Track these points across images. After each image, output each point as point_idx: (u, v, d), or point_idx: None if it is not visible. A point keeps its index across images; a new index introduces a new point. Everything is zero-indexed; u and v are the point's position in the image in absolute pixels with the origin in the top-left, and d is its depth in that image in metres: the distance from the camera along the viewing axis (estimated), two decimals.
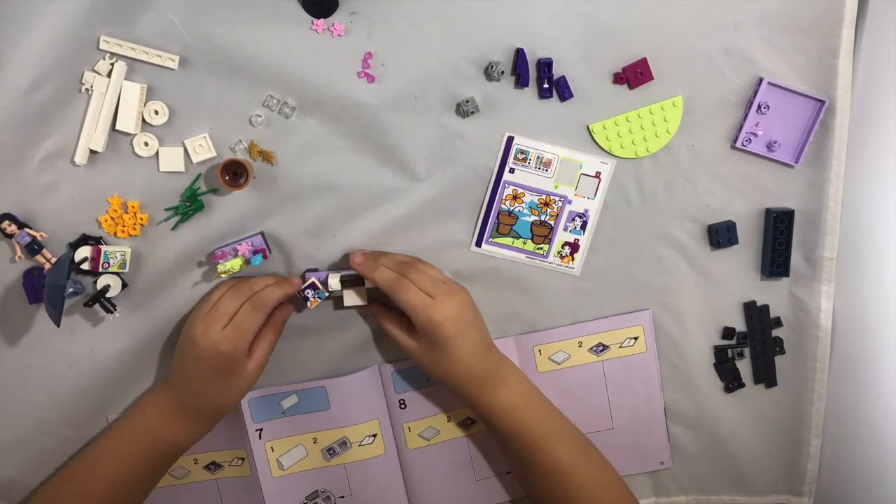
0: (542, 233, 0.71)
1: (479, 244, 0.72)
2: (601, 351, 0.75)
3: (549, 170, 0.69)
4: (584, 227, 0.71)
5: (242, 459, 0.76)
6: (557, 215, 0.71)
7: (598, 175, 0.70)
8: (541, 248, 0.72)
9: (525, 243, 0.72)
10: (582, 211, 0.71)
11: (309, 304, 0.68)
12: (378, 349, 0.74)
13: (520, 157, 0.69)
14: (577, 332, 0.74)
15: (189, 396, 0.67)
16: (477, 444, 0.77)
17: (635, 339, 0.75)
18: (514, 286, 0.73)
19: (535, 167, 0.69)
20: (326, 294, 0.68)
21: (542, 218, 0.71)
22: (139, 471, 0.68)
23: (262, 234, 0.69)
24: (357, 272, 0.67)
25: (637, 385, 0.76)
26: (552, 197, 0.70)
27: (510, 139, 0.68)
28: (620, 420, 0.77)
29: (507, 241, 0.72)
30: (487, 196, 0.70)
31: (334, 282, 0.68)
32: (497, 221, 0.71)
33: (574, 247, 0.72)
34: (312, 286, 0.68)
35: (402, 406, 0.75)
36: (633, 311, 0.74)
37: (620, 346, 0.75)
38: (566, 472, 0.68)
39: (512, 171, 0.69)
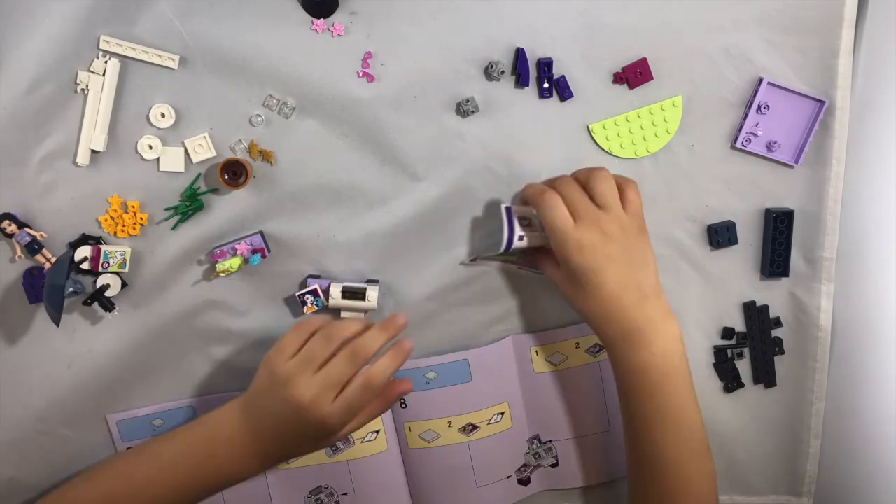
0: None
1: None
2: (598, 352, 0.75)
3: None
4: None
5: None
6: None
7: None
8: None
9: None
10: None
11: (305, 309, 0.69)
12: None
13: (524, 223, 0.66)
14: (574, 332, 0.74)
15: (274, 449, 0.61)
16: (477, 451, 0.76)
17: None
18: (511, 289, 0.73)
19: (541, 228, 0.64)
20: (325, 304, 0.69)
21: None
22: (187, 498, 0.62)
23: (261, 233, 0.69)
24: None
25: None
26: None
27: (508, 210, 0.65)
28: (617, 421, 0.76)
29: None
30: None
31: (335, 292, 0.68)
32: None
33: None
34: (313, 293, 0.68)
35: (403, 405, 0.75)
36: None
37: None
38: (663, 462, 0.62)
39: (521, 238, 0.65)
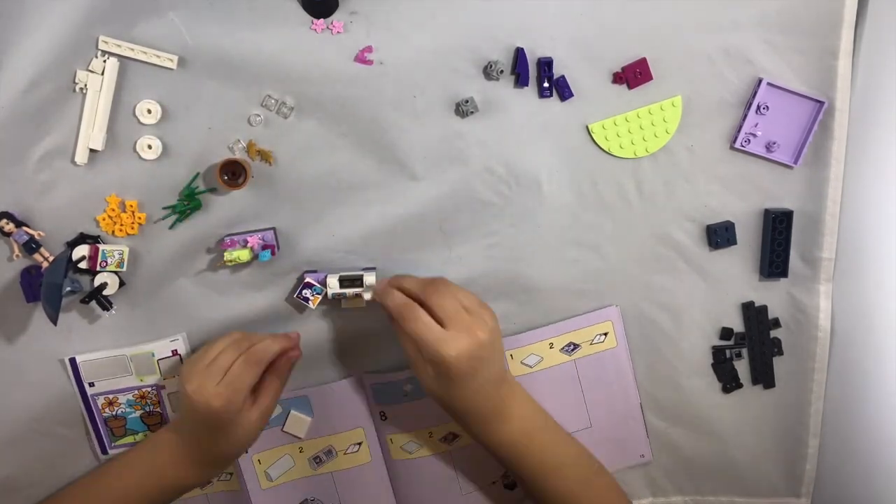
0: (155, 421, 0.73)
1: (104, 452, 0.73)
2: (573, 350, 0.75)
3: (128, 369, 0.71)
4: None
5: (231, 474, 0.76)
6: (160, 401, 0.72)
7: (175, 353, 0.71)
8: None
9: (146, 434, 0.73)
10: None
11: (310, 303, 0.68)
12: (359, 357, 0.74)
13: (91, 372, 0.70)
14: (548, 333, 0.74)
15: (193, 445, 0.66)
16: (460, 459, 0.76)
17: (605, 335, 0.75)
18: (510, 289, 0.73)
19: (114, 372, 0.70)
20: (323, 290, 0.68)
21: (148, 409, 0.72)
22: None
23: (274, 229, 0.69)
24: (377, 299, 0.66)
25: (611, 381, 0.76)
26: (144, 388, 0.72)
27: (73, 361, 0.69)
28: (597, 417, 0.76)
29: (129, 440, 0.73)
30: (86, 414, 0.72)
31: (333, 282, 0.68)
32: (109, 428, 0.72)
33: None
34: (308, 285, 0.68)
35: (384, 418, 0.74)
36: (600, 308, 0.74)
37: (591, 344, 0.75)
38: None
39: (92, 384, 0.70)
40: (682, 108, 0.68)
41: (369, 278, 0.68)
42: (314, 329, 0.73)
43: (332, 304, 0.71)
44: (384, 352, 0.73)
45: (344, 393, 0.74)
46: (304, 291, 0.68)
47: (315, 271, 0.70)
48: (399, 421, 0.75)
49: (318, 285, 0.68)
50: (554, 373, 0.75)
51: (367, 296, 0.69)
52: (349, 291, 0.68)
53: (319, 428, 0.75)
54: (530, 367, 0.75)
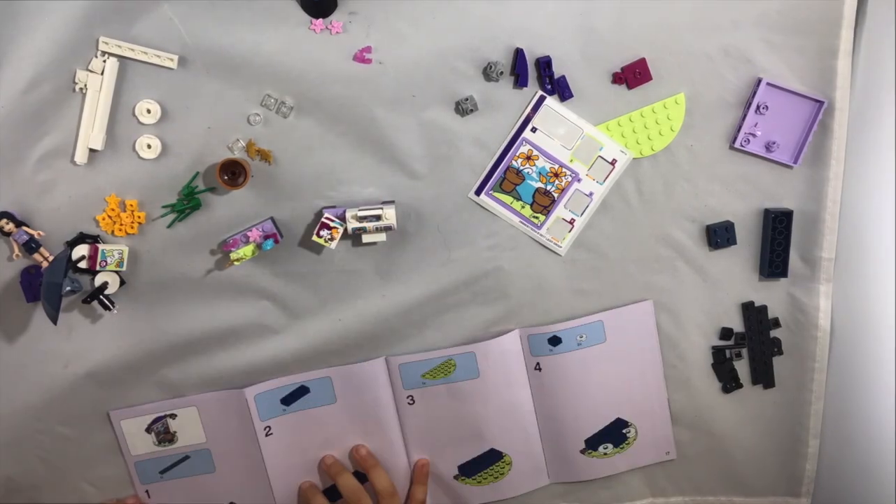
0: (544, 203, 0.70)
1: (478, 193, 0.70)
2: (604, 343, 0.75)
3: (570, 142, 0.69)
4: (584, 209, 0.71)
5: None
6: (563, 190, 0.70)
7: (613, 162, 0.69)
8: (537, 218, 0.71)
9: (523, 207, 0.71)
10: (587, 192, 0.70)
11: (332, 244, 0.67)
12: (380, 345, 0.74)
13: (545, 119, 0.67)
14: (581, 324, 0.74)
15: None
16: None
17: (637, 330, 0.74)
18: (510, 290, 0.73)
19: (557, 135, 0.68)
20: (343, 224, 0.67)
21: (548, 188, 0.70)
22: None
23: (272, 219, 0.69)
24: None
25: (644, 377, 0.76)
26: (564, 169, 0.69)
27: (542, 98, 0.67)
28: (627, 412, 0.77)
29: (507, 199, 0.70)
30: (501, 148, 0.69)
31: (351, 216, 0.67)
32: (503, 176, 0.70)
33: (569, 226, 0.72)
34: (325, 226, 0.67)
35: (411, 402, 0.75)
36: (634, 303, 0.74)
37: (624, 335, 0.74)
38: None
39: (534, 130, 0.68)
40: (685, 106, 0.68)
41: (388, 211, 0.67)
42: (313, 329, 0.73)
43: (339, 307, 0.72)
44: (403, 338, 0.74)
45: (370, 374, 0.74)
46: (321, 232, 0.67)
47: (333, 206, 0.69)
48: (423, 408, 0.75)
49: (338, 220, 0.67)
50: (586, 363, 0.74)
51: (390, 219, 0.67)
52: (370, 225, 0.67)
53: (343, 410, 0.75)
54: (562, 353, 0.74)
